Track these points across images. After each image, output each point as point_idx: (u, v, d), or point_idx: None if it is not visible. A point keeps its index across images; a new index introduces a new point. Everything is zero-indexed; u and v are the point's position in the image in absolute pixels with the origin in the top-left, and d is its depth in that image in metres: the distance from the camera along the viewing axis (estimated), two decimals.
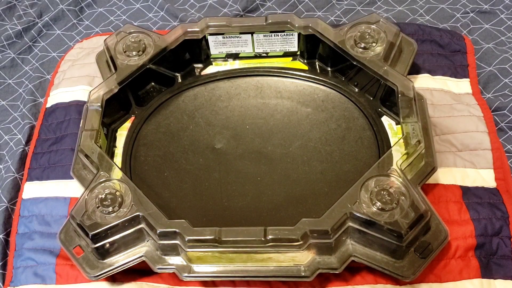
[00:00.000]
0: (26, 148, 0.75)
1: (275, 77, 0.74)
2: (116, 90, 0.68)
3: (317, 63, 0.74)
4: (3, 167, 0.75)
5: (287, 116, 0.70)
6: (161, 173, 0.67)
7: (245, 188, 0.64)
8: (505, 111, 0.72)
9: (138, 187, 0.59)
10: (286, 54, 0.75)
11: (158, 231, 0.56)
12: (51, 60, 0.87)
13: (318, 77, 0.73)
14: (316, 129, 0.69)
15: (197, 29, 0.72)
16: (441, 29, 0.79)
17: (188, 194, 0.65)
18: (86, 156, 0.62)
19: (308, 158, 0.66)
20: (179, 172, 0.66)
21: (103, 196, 0.58)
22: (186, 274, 0.57)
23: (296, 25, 0.71)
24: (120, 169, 0.62)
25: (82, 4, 0.93)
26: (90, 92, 0.67)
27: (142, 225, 0.57)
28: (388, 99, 0.68)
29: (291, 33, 0.72)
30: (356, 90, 0.71)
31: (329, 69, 0.73)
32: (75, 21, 0.92)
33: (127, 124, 0.71)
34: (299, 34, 0.72)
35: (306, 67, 0.74)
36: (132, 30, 0.73)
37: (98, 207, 0.58)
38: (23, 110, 0.80)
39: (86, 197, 0.59)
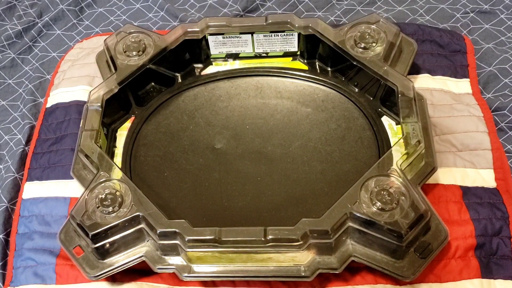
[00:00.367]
0: (26, 148, 0.75)
1: (275, 77, 0.74)
2: (116, 90, 0.68)
3: (317, 63, 0.74)
4: (3, 167, 0.75)
5: (287, 116, 0.70)
6: (161, 173, 0.67)
7: (245, 188, 0.64)
8: (505, 111, 0.72)
9: (138, 187, 0.59)
10: (286, 54, 0.75)
11: (158, 231, 0.56)
12: (51, 60, 0.87)
13: (318, 77, 0.73)
14: (316, 129, 0.69)
15: (197, 29, 0.72)
16: (441, 29, 0.79)
17: (188, 194, 0.65)
18: (86, 156, 0.62)
19: (308, 158, 0.66)
20: (179, 172, 0.66)
21: (103, 196, 0.58)
22: (186, 274, 0.57)
23: (296, 25, 0.71)
24: (120, 169, 0.62)
25: (82, 4, 0.93)
26: (90, 92, 0.67)
27: (142, 225, 0.57)
28: (388, 99, 0.68)
29: (291, 33, 0.72)
30: (356, 90, 0.71)
31: (329, 69, 0.73)
32: (75, 21, 0.92)
33: (127, 124, 0.71)
34: (299, 34, 0.72)
35: (306, 67, 0.74)
36: (132, 30, 0.73)
37: (98, 207, 0.58)
38: (23, 110, 0.80)
39: (86, 197, 0.59)
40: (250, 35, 0.73)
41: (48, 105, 0.76)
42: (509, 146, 0.70)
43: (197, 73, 0.76)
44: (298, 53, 0.75)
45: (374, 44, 0.68)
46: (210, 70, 0.76)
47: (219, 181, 0.65)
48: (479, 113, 0.70)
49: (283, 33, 0.72)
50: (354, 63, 0.68)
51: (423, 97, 0.65)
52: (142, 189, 0.59)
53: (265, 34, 0.73)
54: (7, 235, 0.68)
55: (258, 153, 0.67)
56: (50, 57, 0.87)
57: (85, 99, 0.70)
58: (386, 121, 0.68)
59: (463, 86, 0.74)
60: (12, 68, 0.87)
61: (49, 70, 0.85)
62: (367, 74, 0.67)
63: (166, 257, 0.58)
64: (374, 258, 0.56)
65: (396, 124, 0.67)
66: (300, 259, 0.56)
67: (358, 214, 0.55)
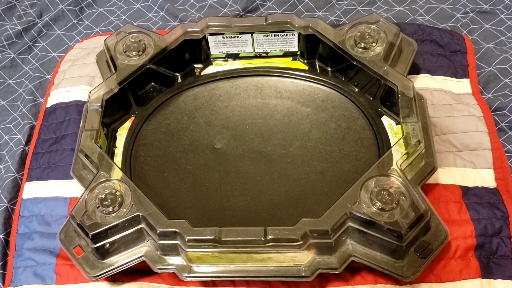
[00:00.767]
0: (26, 148, 0.75)
1: (275, 77, 0.74)
2: (116, 90, 0.68)
3: (317, 63, 0.74)
4: (3, 167, 0.75)
5: (287, 116, 0.70)
6: (161, 173, 0.67)
7: (245, 188, 0.64)
8: (505, 111, 0.72)
9: (138, 187, 0.59)
10: (286, 54, 0.75)
11: (158, 231, 0.56)
12: (51, 60, 0.87)
13: (318, 77, 0.73)
14: (316, 129, 0.69)
15: (197, 29, 0.72)
16: (441, 29, 0.79)
17: (188, 194, 0.65)
18: (86, 156, 0.62)
19: (308, 158, 0.66)
20: (179, 172, 0.66)
21: (103, 196, 0.58)
22: (186, 274, 0.57)
23: (296, 25, 0.71)
24: (120, 169, 0.62)
25: (82, 4, 0.93)
26: (90, 92, 0.67)
27: (142, 225, 0.57)
28: (388, 99, 0.68)
29: (291, 33, 0.72)
30: (356, 90, 0.71)
31: (329, 69, 0.73)
32: (75, 21, 0.92)
33: (127, 124, 0.71)
34: (299, 34, 0.72)
35: (306, 67, 0.74)
36: (132, 30, 0.73)
37: (98, 207, 0.58)
38: (23, 110, 0.80)
39: (86, 197, 0.59)
40: (250, 35, 0.73)
41: (48, 105, 0.76)
42: (509, 146, 0.70)
43: (197, 73, 0.76)
44: (298, 53, 0.75)
45: (374, 44, 0.68)
46: (210, 70, 0.76)
47: (219, 181, 0.65)
48: (479, 113, 0.70)
49: (283, 33, 0.72)
50: (354, 63, 0.68)
51: (423, 97, 0.65)
52: (142, 189, 0.59)
53: (265, 34, 0.73)
54: (7, 235, 0.68)
55: (258, 153, 0.67)
56: (50, 57, 0.87)
57: (85, 99, 0.70)
58: (386, 121, 0.68)
59: (463, 86, 0.74)
60: (12, 68, 0.87)
61: (49, 70, 0.85)
62: (367, 74, 0.67)
63: (166, 257, 0.58)
64: (374, 258, 0.56)
65: (396, 124, 0.67)
66: (300, 259, 0.56)
67: (358, 214, 0.55)
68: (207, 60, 0.76)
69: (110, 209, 0.57)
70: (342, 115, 0.70)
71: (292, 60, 0.75)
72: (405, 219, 0.54)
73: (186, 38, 0.72)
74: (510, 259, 0.60)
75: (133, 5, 0.93)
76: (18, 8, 0.94)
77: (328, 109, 0.70)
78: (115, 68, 0.69)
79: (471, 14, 0.84)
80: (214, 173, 0.66)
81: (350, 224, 0.55)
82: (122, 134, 0.70)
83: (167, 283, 0.61)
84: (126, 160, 0.68)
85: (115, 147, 0.69)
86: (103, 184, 0.60)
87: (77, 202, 0.59)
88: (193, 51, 0.74)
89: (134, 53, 0.70)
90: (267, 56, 0.75)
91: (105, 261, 0.58)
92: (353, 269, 0.59)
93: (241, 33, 0.73)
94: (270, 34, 0.72)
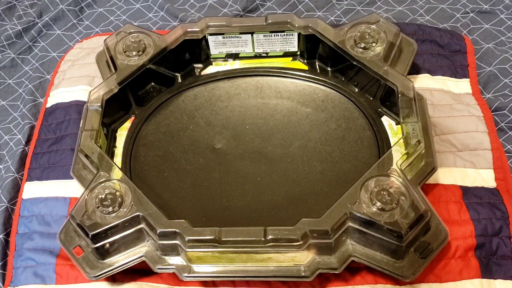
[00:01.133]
0: (26, 148, 0.75)
1: (275, 77, 0.74)
2: (116, 90, 0.68)
3: (317, 63, 0.74)
4: (3, 167, 0.75)
5: (287, 116, 0.70)
6: (161, 173, 0.67)
7: (245, 188, 0.64)
8: (505, 111, 0.72)
9: (138, 187, 0.59)
10: (286, 54, 0.75)
11: (158, 231, 0.56)
12: (51, 60, 0.87)
13: (318, 77, 0.73)
14: (316, 129, 0.69)
15: (197, 29, 0.72)
16: (441, 29, 0.79)
17: (188, 194, 0.65)
18: (86, 156, 0.62)
19: (308, 158, 0.66)
20: (179, 172, 0.66)
21: (103, 196, 0.58)
22: (186, 274, 0.57)
23: (296, 25, 0.71)
24: (120, 169, 0.62)
25: (82, 4, 0.93)
26: (90, 92, 0.67)
27: (142, 225, 0.57)
28: (388, 99, 0.68)
29: (291, 33, 0.72)
30: (356, 90, 0.71)
31: (329, 69, 0.73)
32: (75, 21, 0.92)
33: (127, 124, 0.71)
34: (299, 34, 0.72)
35: (306, 67, 0.74)
36: (132, 30, 0.73)
37: (98, 207, 0.58)
38: (23, 110, 0.80)
39: (86, 197, 0.59)
40: (250, 35, 0.73)
41: (48, 105, 0.76)
42: (509, 146, 0.70)
43: (197, 73, 0.76)
44: (298, 53, 0.75)
45: (374, 44, 0.68)
46: (210, 70, 0.76)
47: (219, 181, 0.65)
48: (479, 113, 0.70)
49: (283, 33, 0.72)
50: (354, 63, 0.68)
51: (423, 97, 0.65)
52: (142, 189, 0.59)
53: (265, 34, 0.73)
54: (7, 235, 0.68)
55: (258, 153, 0.67)
56: (50, 57, 0.87)
57: (85, 99, 0.70)
58: (386, 121, 0.68)
59: (463, 86, 0.74)
60: (12, 68, 0.87)
61: (49, 70, 0.85)
62: (367, 74, 0.67)
63: (166, 257, 0.58)
64: (374, 258, 0.56)
65: (396, 124, 0.67)
66: (300, 259, 0.56)
67: (358, 214, 0.55)
68: (207, 60, 0.76)
69: (110, 209, 0.57)
70: (342, 115, 0.70)
71: (292, 60, 0.75)
72: (405, 219, 0.54)
73: (186, 38, 0.72)
74: (510, 259, 0.60)
75: (133, 5, 0.93)
76: (18, 8, 0.94)
77: (328, 109, 0.70)
78: (115, 68, 0.69)
79: (471, 14, 0.84)
80: (214, 173, 0.66)
81: (350, 224, 0.55)
82: (122, 134, 0.70)
83: (167, 283, 0.61)
84: (126, 160, 0.68)
85: (115, 147, 0.69)
86: (103, 184, 0.60)
87: (77, 202, 0.59)
88: (193, 51, 0.74)
89: (134, 53, 0.70)
90: (267, 56, 0.75)
91: (105, 261, 0.58)
92: (353, 269, 0.59)
93: (241, 33, 0.73)
94: (270, 34, 0.72)
